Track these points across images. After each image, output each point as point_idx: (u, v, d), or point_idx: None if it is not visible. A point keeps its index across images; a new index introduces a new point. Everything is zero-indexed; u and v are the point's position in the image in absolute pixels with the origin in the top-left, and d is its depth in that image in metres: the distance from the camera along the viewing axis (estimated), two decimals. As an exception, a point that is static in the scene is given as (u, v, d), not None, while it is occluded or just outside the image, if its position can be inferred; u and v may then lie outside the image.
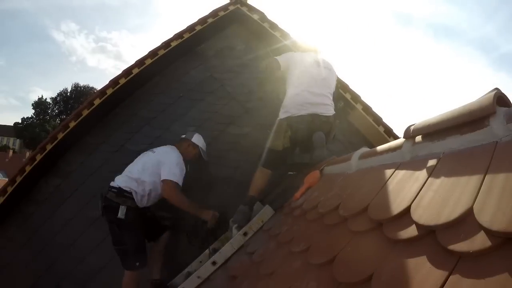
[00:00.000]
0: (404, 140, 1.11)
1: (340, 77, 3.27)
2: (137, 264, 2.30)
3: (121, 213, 2.27)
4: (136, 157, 2.69)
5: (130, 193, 2.35)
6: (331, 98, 2.51)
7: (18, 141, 39.86)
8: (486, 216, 0.57)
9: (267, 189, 2.47)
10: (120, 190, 2.35)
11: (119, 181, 2.41)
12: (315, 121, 2.35)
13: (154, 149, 2.62)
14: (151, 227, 2.55)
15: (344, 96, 3.23)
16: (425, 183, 0.84)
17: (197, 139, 2.74)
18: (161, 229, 2.64)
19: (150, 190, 2.41)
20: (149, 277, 2.49)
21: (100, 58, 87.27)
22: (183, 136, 2.76)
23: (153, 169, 2.44)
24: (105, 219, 2.36)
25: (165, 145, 2.72)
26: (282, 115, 2.41)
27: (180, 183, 2.43)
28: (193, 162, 2.74)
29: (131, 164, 2.56)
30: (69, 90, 39.04)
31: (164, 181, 2.40)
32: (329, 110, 2.44)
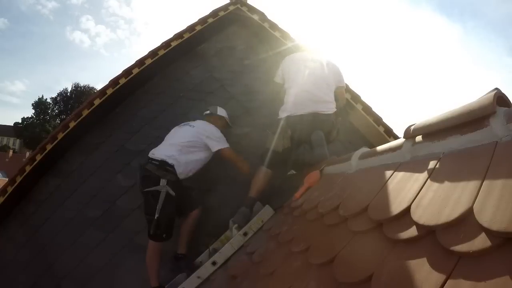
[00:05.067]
0: (404, 140, 1.11)
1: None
2: (164, 236, 2.32)
3: (162, 186, 2.29)
4: (136, 157, 2.67)
5: (172, 165, 2.35)
6: (332, 95, 2.48)
7: (18, 141, 39.88)
8: (486, 216, 0.57)
9: (267, 189, 2.47)
10: (162, 163, 2.35)
11: (160, 153, 2.41)
12: (315, 120, 2.34)
13: (191, 123, 2.69)
14: (182, 201, 2.52)
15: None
16: (425, 183, 0.84)
17: (221, 111, 2.87)
18: (192, 203, 2.62)
19: (190, 162, 2.44)
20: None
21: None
22: (207, 112, 2.86)
23: (194, 143, 2.50)
24: (141, 188, 2.37)
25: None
26: (281, 114, 2.42)
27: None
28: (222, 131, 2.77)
29: (169, 136, 2.61)
30: (69, 90, 39.10)
31: (222, 150, 2.53)
32: (329, 108, 2.41)
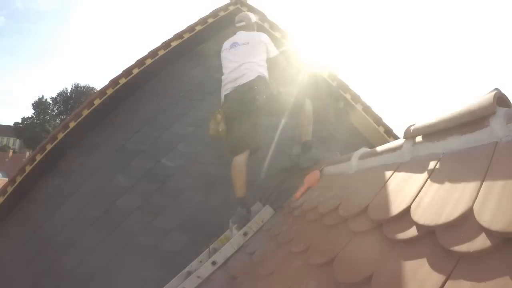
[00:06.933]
0: (404, 140, 1.11)
1: (340, 77, 3.28)
2: None
3: None
4: (136, 157, 2.65)
5: None
6: (256, 62, 2.43)
7: (18, 141, 39.90)
8: (486, 216, 0.57)
9: (267, 189, 2.47)
10: None
11: None
12: (236, 96, 2.35)
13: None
14: None
15: (344, 96, 3.23)
16: (425, 183, 0.84)
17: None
18: None
19: None
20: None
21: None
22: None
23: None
24: None
25: (164, 145, 2.70)
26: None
27: None
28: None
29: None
30: (69, 90, 39.13)
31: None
32: (249, 76, 2.35)
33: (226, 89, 2.44)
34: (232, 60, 2.47)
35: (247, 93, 2.31)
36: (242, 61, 2.40)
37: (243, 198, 2.29)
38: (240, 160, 2.29)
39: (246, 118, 2.34)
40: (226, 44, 2.63)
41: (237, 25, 2.73)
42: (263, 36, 2.57)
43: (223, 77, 2.52)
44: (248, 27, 2.70)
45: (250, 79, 2.32)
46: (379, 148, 1.32)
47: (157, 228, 2.77)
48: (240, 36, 2.58)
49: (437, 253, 0.61)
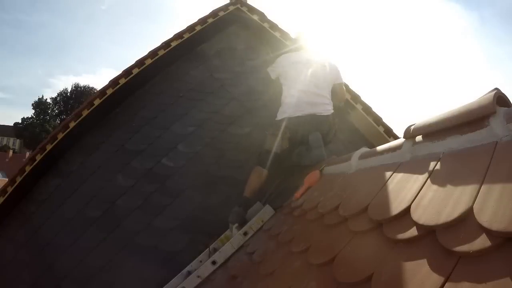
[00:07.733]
0: (404, 140, 1.11)
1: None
2: None
3: None
4: (136, 157, 2.65)
5: None
6: (329, 96, 2.51)
7: (18, 141, 39.94)
8: (486, 216, 0.56)
9: (267, 189, 2.47)
10: None
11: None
12: (312, 122, 2.36)
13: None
14: None
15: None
16: (425, 183, 0.84)
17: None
18: None
19: None
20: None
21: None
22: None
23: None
24: None
25: (164, 145, 2.69)
26: (279, 116, 2.44)
27: None
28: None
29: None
30: (69, 90, 39.16)
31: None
32: (327, 110, 2.44)
33: (300, 108, 2.38)
34: (311, 80, 2.44)
35: (322, 125, 2.40)
36: (320, 89, 2.45)
37: (248, 199, 2.33)
38: (265, 172, 2.37)
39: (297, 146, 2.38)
40: (302, 57, 2.56)
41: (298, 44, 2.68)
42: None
43: (294, 93, 2.44)
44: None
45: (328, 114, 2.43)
46: (379, 148, 1.32)
47: (157, 228, 2.77)
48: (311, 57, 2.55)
49: (437, 253, 0.61)
